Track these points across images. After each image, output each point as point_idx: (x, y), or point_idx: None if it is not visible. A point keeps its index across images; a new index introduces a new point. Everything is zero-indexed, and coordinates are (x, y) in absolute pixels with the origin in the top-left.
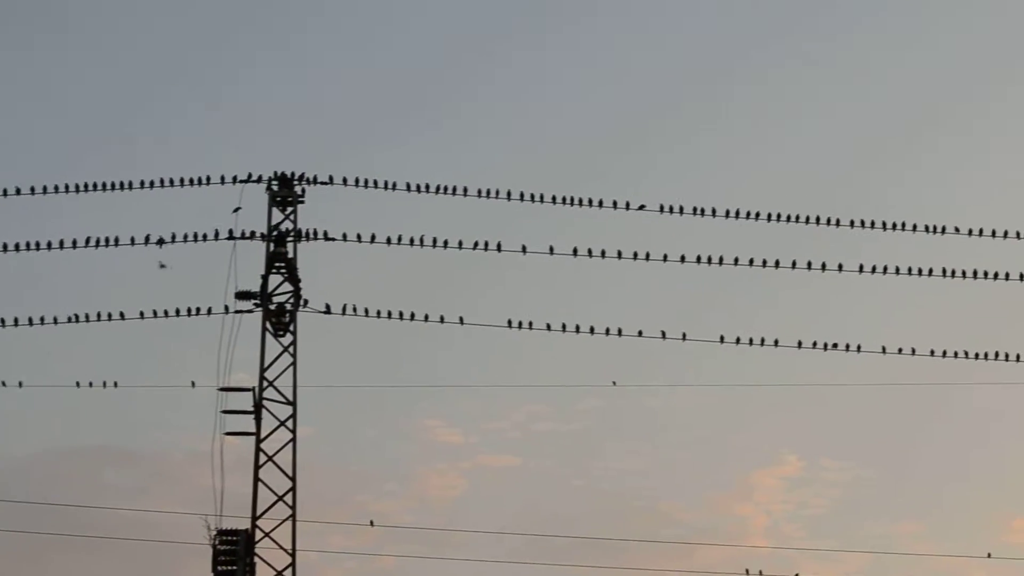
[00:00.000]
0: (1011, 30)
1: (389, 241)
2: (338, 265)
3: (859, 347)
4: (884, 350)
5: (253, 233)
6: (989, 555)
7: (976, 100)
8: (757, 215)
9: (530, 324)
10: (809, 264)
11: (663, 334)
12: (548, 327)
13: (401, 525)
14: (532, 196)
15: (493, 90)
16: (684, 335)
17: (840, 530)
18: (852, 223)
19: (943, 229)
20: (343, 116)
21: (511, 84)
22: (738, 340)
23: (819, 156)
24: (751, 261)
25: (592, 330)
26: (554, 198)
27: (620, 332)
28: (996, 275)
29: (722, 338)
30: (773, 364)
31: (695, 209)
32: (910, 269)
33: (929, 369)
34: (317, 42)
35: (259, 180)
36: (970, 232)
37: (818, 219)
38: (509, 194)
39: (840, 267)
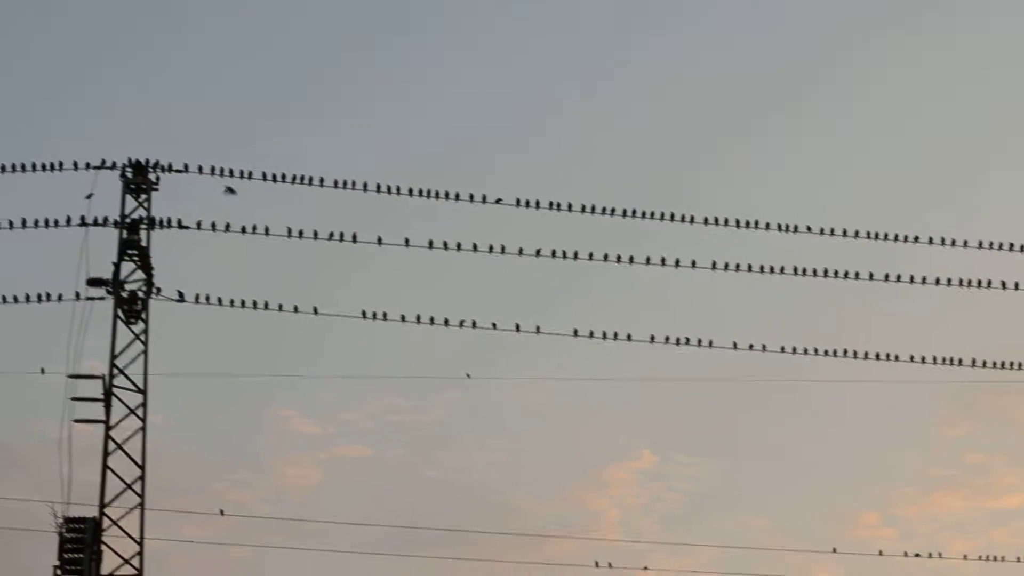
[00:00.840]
0: (838, 32)
1: (244, 230)
2: (192, 254)
3: (711, 343)
4: (735, 346)
5: (106, 220)
6: (835, 550)
7: (819, 96)
8: (613, 211)
9: (384, 315)
10: (663, 260)
11: (517, 327)
12: (403, 318)
13: (252, 515)
14: (388, 188)
15: (349, 82)
16: (538, 328)
17: (692, 524)
18: (706, 220)
19: (795, 228)
20: (199, 104)
21: (368, 77)
22: (591, 334)
23: (674, 152)
24: (605, 256)
25: (446, 322)
26: (410, 190)
27: (474, 324)
28: (846, 274)
29: (576, 331)
30: (627, 358)
31: (551, 203)
32: (762, 267)
33: (780, 365)
34: (175, 32)
35: (113, 167)
36: (821, 231)
37: (672, 215)
38: (365, 185)
39: (693, 263)
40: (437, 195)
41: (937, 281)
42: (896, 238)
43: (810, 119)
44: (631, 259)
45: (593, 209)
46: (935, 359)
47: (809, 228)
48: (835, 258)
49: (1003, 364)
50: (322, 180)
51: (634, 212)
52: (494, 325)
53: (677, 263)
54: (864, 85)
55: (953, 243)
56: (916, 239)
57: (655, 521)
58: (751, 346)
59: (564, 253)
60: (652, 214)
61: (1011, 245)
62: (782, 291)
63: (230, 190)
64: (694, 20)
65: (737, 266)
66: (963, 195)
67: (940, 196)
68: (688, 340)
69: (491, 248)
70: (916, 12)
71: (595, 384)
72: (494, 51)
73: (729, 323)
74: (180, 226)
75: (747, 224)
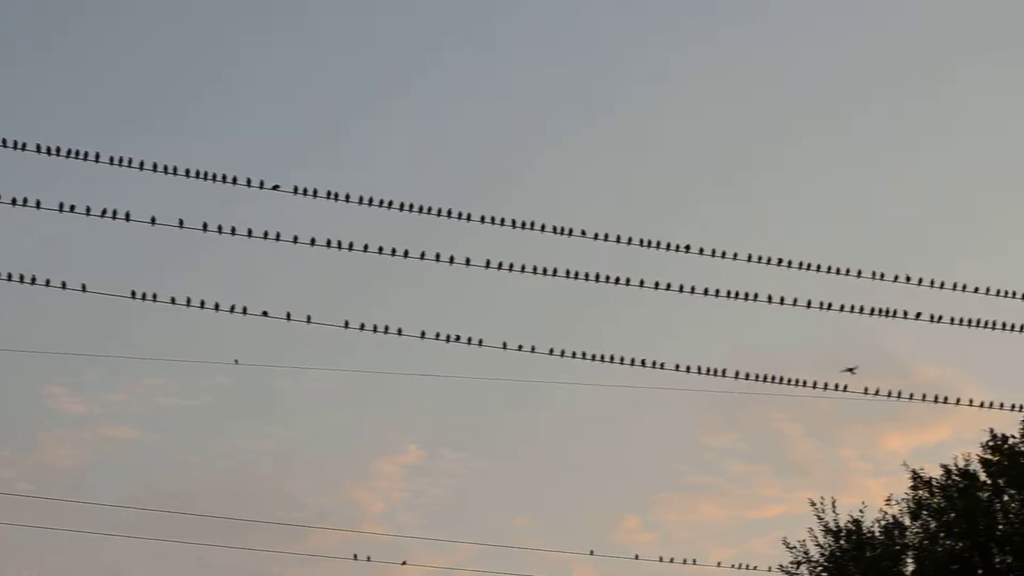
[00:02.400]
0: (632, 36)
1: (14, 202)
2: None
3: (481, 341)
4: (505, 345)
5: None
6: (592, 552)
7: (600, 102)
8: (390, 203)
9: (154, 296)
10: (437, 256)
11: (288, 315)
12: (173, 300)
13: (13, 492)
14: (165, 168)
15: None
16: (309, 318)
17: (454, 520)
18: (483, 219)
19: (571, 231)
20: None
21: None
22: (362, 326)
23: (455, 152)
24: (380, 249)
25: (217, 307)
26: (187, 171)
27: (245, 311)
28: (617, 279)
29: (347, 323)
30: (398, 353)
31: (329, 193)
32: (535, 268)
33: (549, 366)
34: None
35: None
36: (596, 236)
37: (449, 212)
38: (142, 164)
39: (468, 261)
40: (214, 178)
41: (706, 292)
42: (668, 247)
43: (600, 124)
44: (406, 253)
45: (371, 201)
46: (700, 369)
47: (584, 232)
48: (610, 263)
49: (766, 377)
50: (98, 156)
51: (411, 207)
52: (265, 313)
53: (452, 260)
54: (654, 86)
55: (724, 255)
56: (688, 248)
57: (418, 516)
58: (520, 347)
59: (339, 244)
60: (429, 210)
61: (779, 260)
62: (555, 293)
63: None
64: (490, 25)
65: (511, 266)
66: (735, 207)
67: (715, 205)
68: (459, 338)
69: (266, 235)
70: (710, 18)
71: (365, 377)
72: (296, 45)
73: (500, 322)
74: None
75: (523, 225)
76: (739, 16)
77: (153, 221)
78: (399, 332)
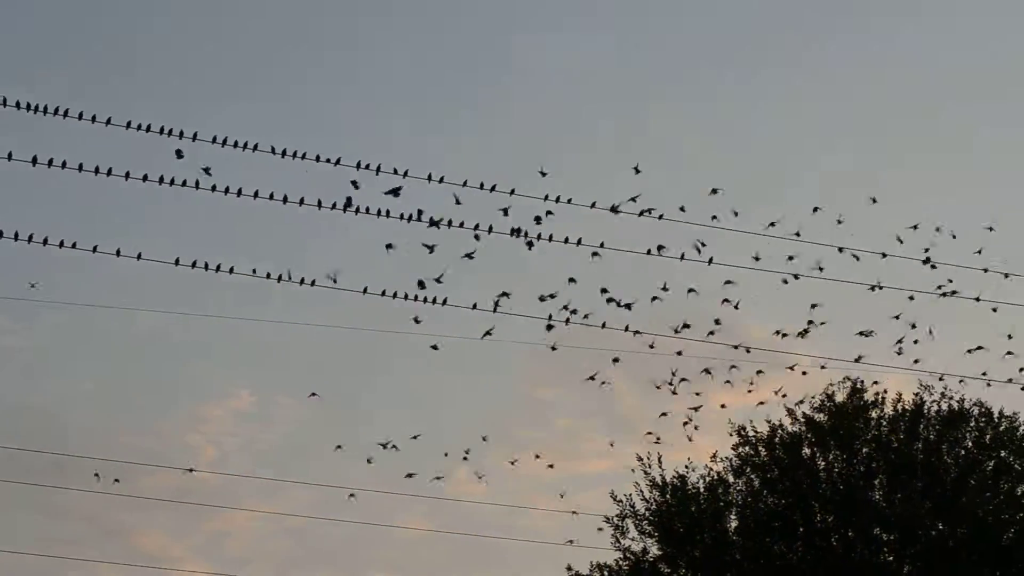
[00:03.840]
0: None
1: None
2: None
3: (313, 282)
4: (335, 280)
5: None
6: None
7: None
8: (224, 141)
9: None
10: (271, 195)
11: (118, 252)
12: (1, 234)
13: None
14: None
15: None
16: (139, 255)
17: (285, 465)
18: (317, 158)
19: (406, 172)
20: None
21: None
22: (194, 264)
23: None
24: (213, 187)
25: (45, 241)
26: (17, 104)
27: (75, 245)
28: (451, 223)
29: (177, 260)
30: (230, 294)
31: (140, 126)
32: (367, 209)
33: (384, 313)
34: None
35: None
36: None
37: (272, 149)
38: None
39: (302, 201)
40: (29, 107)
41: (540, 237)
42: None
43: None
44: (239, 192)
45: (181, 135)
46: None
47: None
48: (455, 210)
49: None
50: None
51: (244, 145)
52: (95, 248)
53: (285, 199)
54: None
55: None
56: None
57: (249, 459)
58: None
59: (172, 181)
60: (255, 147)
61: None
62: (395, 239)
63: None
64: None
65: (345, 206)
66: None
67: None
68: (291, 276)
69: (97, 170)
70: None
71: (196, 320)
72: None
73: (337, 265)
74: None
75: (367, 167)
76: None
77: None
78: (231, 271)
